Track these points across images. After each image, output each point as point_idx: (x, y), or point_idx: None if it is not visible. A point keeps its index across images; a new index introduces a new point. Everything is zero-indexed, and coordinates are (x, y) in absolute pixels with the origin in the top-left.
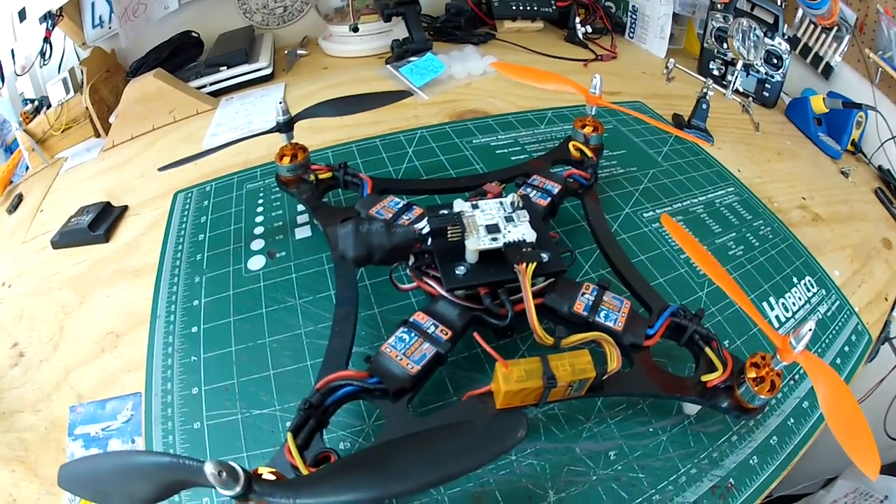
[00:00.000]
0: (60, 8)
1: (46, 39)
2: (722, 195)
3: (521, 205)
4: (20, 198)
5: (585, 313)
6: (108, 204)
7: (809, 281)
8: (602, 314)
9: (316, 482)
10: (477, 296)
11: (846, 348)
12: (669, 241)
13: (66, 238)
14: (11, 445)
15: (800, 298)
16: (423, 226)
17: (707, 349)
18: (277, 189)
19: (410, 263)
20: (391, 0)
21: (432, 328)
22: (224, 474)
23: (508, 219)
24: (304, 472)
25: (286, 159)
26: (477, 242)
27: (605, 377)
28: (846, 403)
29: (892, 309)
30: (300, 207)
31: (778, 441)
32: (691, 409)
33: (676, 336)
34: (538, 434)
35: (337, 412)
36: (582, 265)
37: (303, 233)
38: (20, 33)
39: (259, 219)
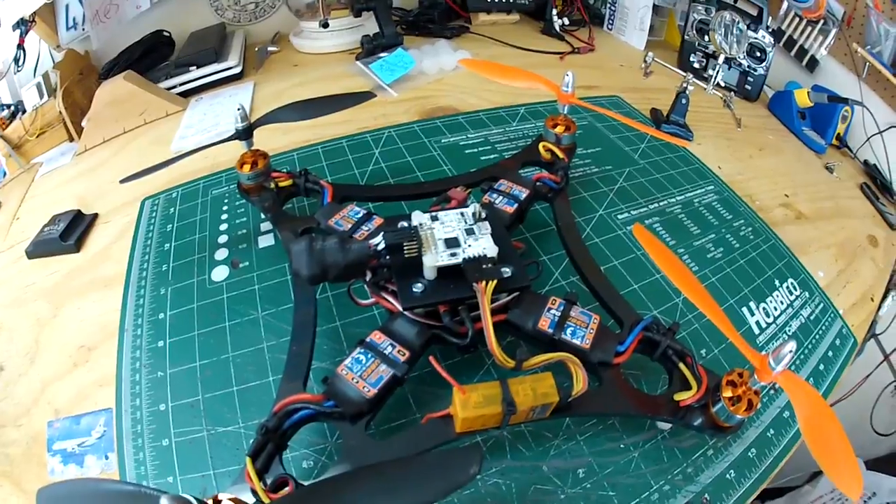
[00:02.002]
0: (33, 14)
1: (20, 46)
2: (701, 194)
3: (483, 215)
4: None
5: (551, 330)
6: (78, 212)
7: (792, 283)
8: (569, 331)
9: None
10: (437, 312)
11: (830, 353)
12: None
13: (40, 248)
14: None
15: (782, 303)
16: (379, 241)
17: (681, 365)
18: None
19: (368, 279)
20: None
21: (389, 349)
22: None
23: (469, 231)
24: (263, 496)
25: (246, 167)
26: (435, 259)
27: (570, 400)
28: (828, 426)
29: (879, 308)
30: (262, 216)
31: (757, 454)
32: (665, 424)
33: (649, 351)
34: (504, 453)
35: (300, 430)
36: (552, 272)
37: (266, 241)
38: None
39: (223, 227)
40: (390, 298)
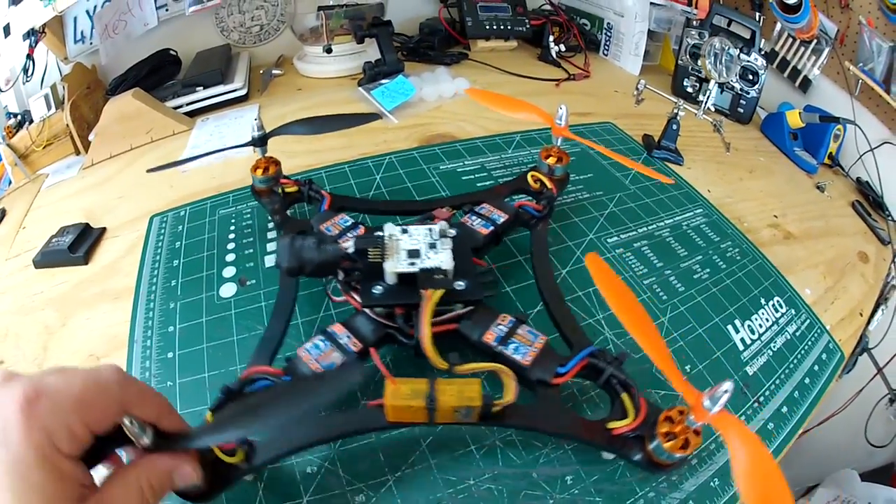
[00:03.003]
0: (43, 25)
1: (29, 56)
2: (689, 217)
3: (447, 233)
4: (3, 212)
5: (494, 343)
6: (87, 225)
7: (778, 301)
8: (511, 346)
9: (206, 430)
10: (394, 314)
11: (816, 367)
12: (634, 267)
13: (48, 258)
14: None
15: (767, 320)
16: (350, 245)
17: (624, 395)
18: (249, 215)
19: (340, 278)
20: (364, 21)
21: (345, 339)
22: (135, 425)
23: (432, 245)
24: (216, 448)
25: (259, 171)
26: (395, 265)
27: (494, 408)
28: (767, 473)
29: (869, 322)
30: (269, 236)
31: None
32: (608, 454)
33: (594, 377)
34: (496, 459)
35: None
36: (514, 301)
37: (272, 260)
38: (4, 49)
39: (231, 245)
40: (356, 296)
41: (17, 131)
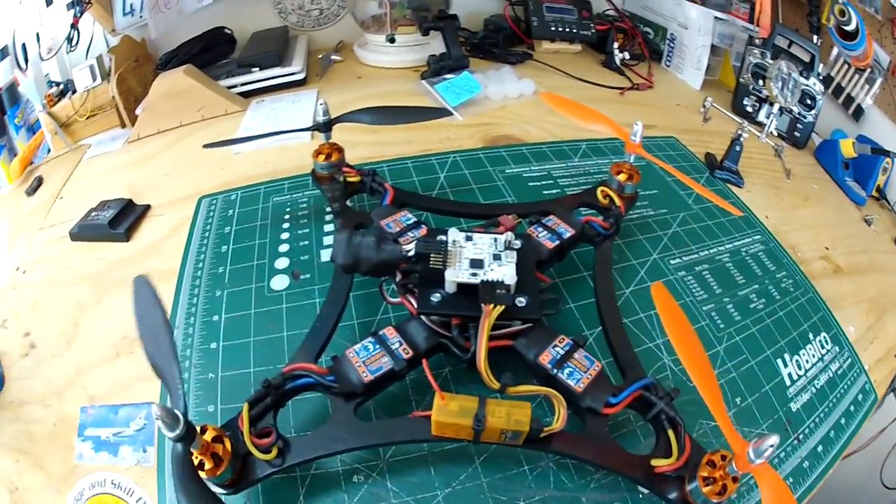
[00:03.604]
0: None
1: (74, 26)
2: (748, 243)
3: (513, 245)
4: (40, 181)
5: (549, 366)
6: (130, 202)
7: (825, 337)
8: (566, 371)
9: None
10: (450, 324)
11: (852, 407)
12: (694, 292)
13: (86, 231)
14: (17, 436)
15: (813, 356)
16: (411, 248)
17: (670, 432)
18: (305, 205)
19: (398, 279)
20: (430, 13)
21: (396, 345)
22: (165, 416)
23: (496, 257)
24: (247, 439)
25: (322, 157)
26: (456, 274)
27: (541, 434)
28: None
29: None
30: (327, 229)
31: None
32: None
33: (643, 410)
34: (547, 481)
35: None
36: (576, 318)
37: (329, 255)
38: (46, 18)
39: (285, 235)
40: (413, 301)
41: (59, 100)
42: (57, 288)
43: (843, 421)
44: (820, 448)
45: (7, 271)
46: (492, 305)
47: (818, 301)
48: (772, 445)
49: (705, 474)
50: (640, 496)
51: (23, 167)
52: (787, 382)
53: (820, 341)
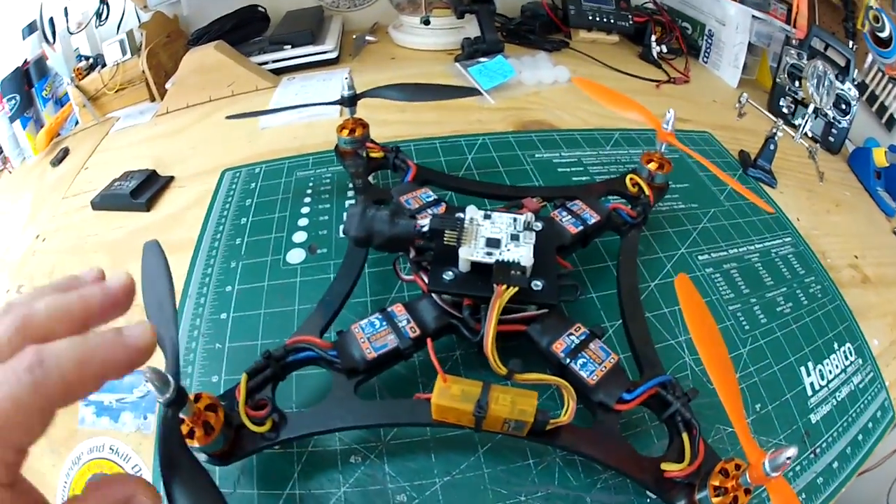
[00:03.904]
0: None
1: (103, 1)
2: (779, 245)
3: (533, 226)
4: (66, 152)
5: (563, 354)
6: (153, 172)
7: (849, 348)
8: (580, 361)
9: None
10: (461, 304)
11: (870, 424)
12: (721, 290)
13: (107, 201)
14: None
15: (837, 367)
16: (426, 223)
17: (684, 434)
18: (328, 180)
19: (412, 256)
20: None
21: (404, 322)
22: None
23: (514, 237)
24: (242, 410)
25: (345, 132)
26: (470, 252)
27: (546, 427)
28: None
29: None
30: (348, 204)
31: None
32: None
33: (658, 409)
34: (552, 477)
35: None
36: (597, 309)
37: None
38: None
39: (305, 210)
40: (425, 278)
41: (88, 74)
42: (75, 255)
43: (860, 437)
44: (836, 464)
45: (27, 239)
46: (504, 286)
47: (845, 310)
48: (789, 458)
49: (717, 483)
50: (649, 501)
51: (49, 138)
52: (809, 392)
53: (844, 352)
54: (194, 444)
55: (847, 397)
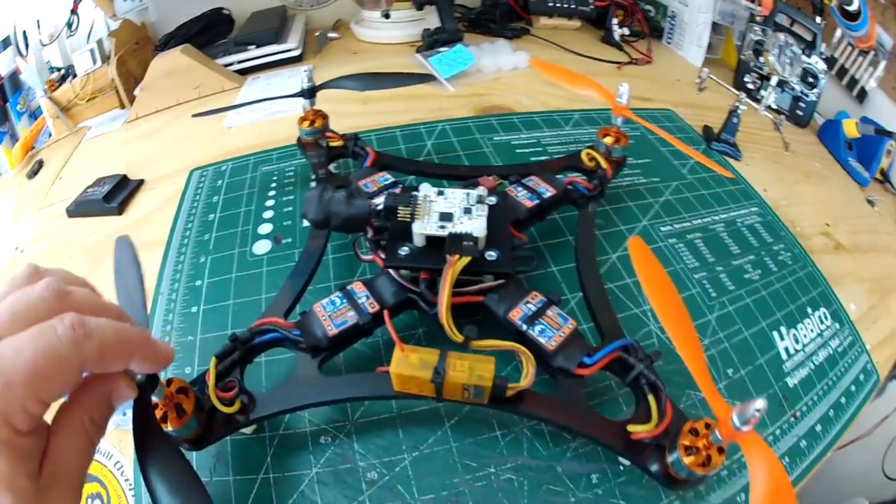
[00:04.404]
0: None
1: (73, 11)
2: (745, 214)
3: (485, 200)
4: (41, 164)
5: (520, 322)
6: (124, 177)
7: (824, 313)
8: (537, 328)
9: None
10: (418, 279)
11: (853, 387)
12: (685, 259)
13: (82, 208)
14: None
15: (812, 331)
16: (380, 202)
17: (651, 397)
18: (291, 173)
19: (370, 236)
20: None
21: (364, 299)
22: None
23: (467, 210)
24: (212, 393)
25: (306, 123)
26: (423, 227)
27: (506, 392)
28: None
29: None
30: None
31: None
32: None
33: (622, 373)
34: (520, 448)
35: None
36: (558, 282)
37: None
38: (47, 4)
39: (270, 202)
40: (382, 255)
41: (60, 85)
42: (54, 263)
43: (843, 400)
44: (819, 427)
45: (7, 251)
46: (457, 256)
47: (818, 276)
48: (758, 410)
49: (687, 443)
50: (621, 468)
51: (24, 152)
52: (784, 356)
53: (819, 317)
54: (168, 427)
55: (826, 361)
